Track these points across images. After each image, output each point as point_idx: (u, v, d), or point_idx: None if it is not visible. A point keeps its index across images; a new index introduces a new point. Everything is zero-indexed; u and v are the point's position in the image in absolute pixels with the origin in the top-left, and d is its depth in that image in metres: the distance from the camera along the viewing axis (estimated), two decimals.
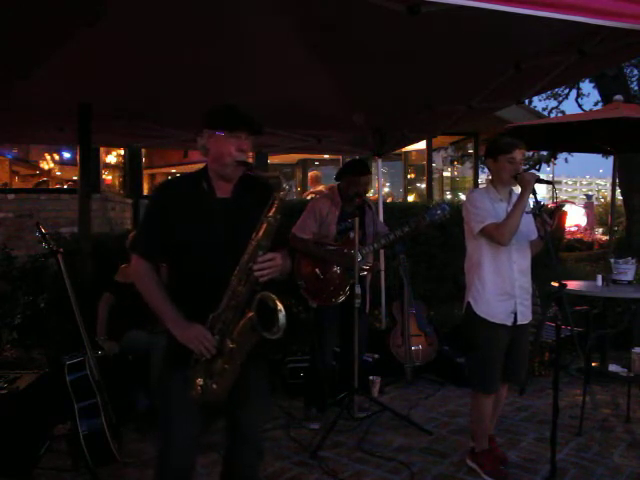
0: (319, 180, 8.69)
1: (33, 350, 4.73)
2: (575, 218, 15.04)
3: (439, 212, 3.88)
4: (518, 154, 2.96)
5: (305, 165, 11.49)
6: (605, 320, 4.98)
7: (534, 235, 3.08)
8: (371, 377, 4.43)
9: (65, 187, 8.43)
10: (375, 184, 7.23)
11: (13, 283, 4.88)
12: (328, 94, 4.06)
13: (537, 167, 13.79)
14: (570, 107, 14.20)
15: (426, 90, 3.85)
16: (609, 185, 8.87)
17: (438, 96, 3.99)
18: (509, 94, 3.80)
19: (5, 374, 3.50)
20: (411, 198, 11.22)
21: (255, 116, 2.07)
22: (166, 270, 2.17)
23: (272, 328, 1.89)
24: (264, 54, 3.41)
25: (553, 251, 2.82)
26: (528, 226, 3.03)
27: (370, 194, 6.50)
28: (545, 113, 12.28)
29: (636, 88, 11.38)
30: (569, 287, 3.81)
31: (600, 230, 15.23)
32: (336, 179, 4.04)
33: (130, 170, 8.47)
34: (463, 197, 11.62)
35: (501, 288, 3.01)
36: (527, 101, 10.44)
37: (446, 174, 13.29)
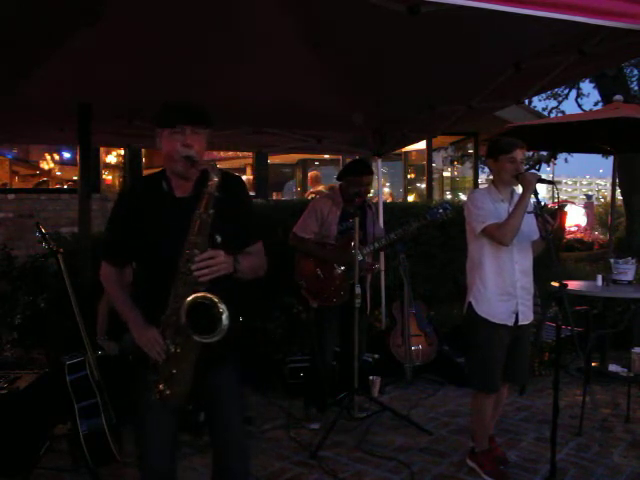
0: (319, 180, 8.69)
1: (33, 350, 4.73)
2: (575, 218, 15.05)
3: (441, 211, 3.89)
4: (519, 154, 2.96)
5: (305, 165, 11.48)
6: (605, 320, 4.99)
7: (536, 235, 3.08)
8: (371, 377, 4.43)
9: (65, 187, 8.42)
10: (375, 184, 7.23)
11: (13, 283, 4.87)
12: (328, 94, 4.06)
13: (537, 167, 13.80)
14: (570, 107, 14.21)
15: (426, 90, 3.85)
16: (609, 185, 8.87)
17: (438, 96, 3.99)
18: (509, 94, 3.80)
19: (5, 374, 3.51)
20: (411, 198, 11.21)
21: (204, 108, 2.00)
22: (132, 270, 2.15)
23: (214, 331, 1.83)
24: (264, 54, 3.41)
25: (554, 251, 2.82)
26: (530, 226, 3.03)
27: (370, 194, 6.49)
28: (545, 113, 12.28)
29: (636, 88, 11.38)
30: (569, 287, 3.81)
31: (600, 230, 15.23)
32: (338, 179, 4.05)
33: (130, 170, 8.45)
34: (463, 197, 11.63)
35: (502, 288, 3.01)
36: (527, 101, 10.46)
37: (446, 174, 13.28)
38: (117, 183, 9.04)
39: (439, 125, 4.73)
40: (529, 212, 2.94)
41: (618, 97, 4.95)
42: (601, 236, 13.15)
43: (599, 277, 4.48)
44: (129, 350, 2.07)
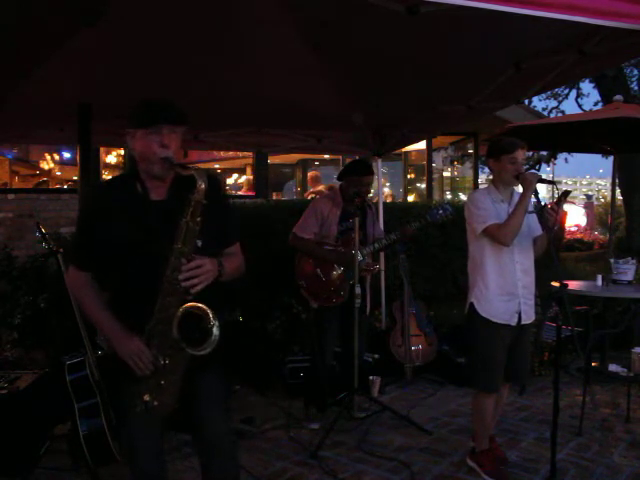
0: (319, 180, 8.69)
1: (33, 350, 4.73)
2: (575, 218, 15.05)
3: (440, 212, 3.88)
4: (520, 154, 2.96)
5: (305, 165, 11.48)
6: (605, 320, 4.99)
7: (537, 234, 3.08)
8: (371, 377, 4.42)
9: (65, 187, 8.42)
10: (375, 184, 7.23)
11: (13, 283, 4.87)
12: (328, 94, 4.06)
13: (537, 167, 13.82)
14: (570, 107, 14.19)
15: (426, 90, 3.85)
16: (609, 185, 8.87)
17: (438, 96, 3.98)
18: (509, 94, 3.80)
19: (5, 374, 3.51)
20: (411, 198, 11.21)
21: (177, 105, 1.92)
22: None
23: (203, 343, 1.79)
24: (264, 54, 3.41)
25: (554, 251, 2.81)
26: (530, 226, 3.04)
27: (370, 194, 6.49)
28: (545, 113, 12.30)
29: (636, 88, 11.39)
30: (569, 287, 3.81)
31: (600, 230, 15.24)
32: (338, 179, 4.05)
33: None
34: (463, 197, 11.63)
35: (504, 288, 3.01)
36: (527, 101, 10.48)
37: (446, 174, 13.28)
38: None
39: (439, 125, 4.74)
40: (529, 212, 2.94)
41: (618, 97, 4.95)
42: (601, 236, 13.16)
43: (599, 277, 4.47)
44: (108, 360, 1.98)
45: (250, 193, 9.04)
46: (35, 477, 3.10)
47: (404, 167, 11.36)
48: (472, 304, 3.07)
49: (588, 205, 18.61)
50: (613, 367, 4.49)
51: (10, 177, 8.53)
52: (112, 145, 7.85)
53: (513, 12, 2.00)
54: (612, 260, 4.59)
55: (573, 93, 12.37)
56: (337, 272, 3.82)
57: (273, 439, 3.65)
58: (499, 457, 3.22)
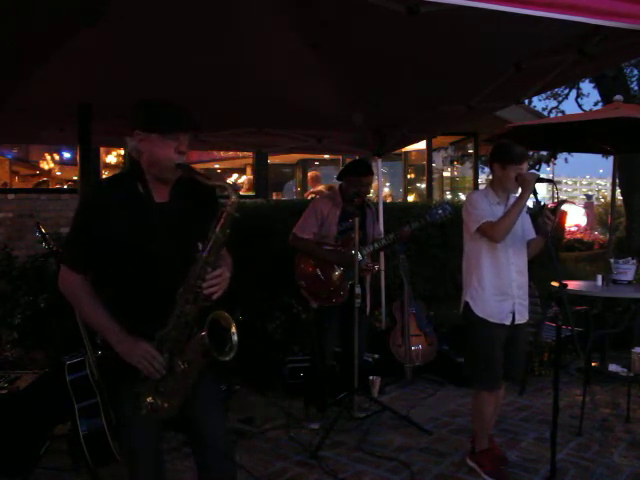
0: (319, 180, 8.69)
1: (33, 350, 4.73)
2: (575, 218, 15.06)
3: (440, 212, 3.89)
4: (525, 165, 3.02)
5: (305, 165, 11.47)
6: (605, 320, 4.99)
7: (531, 235, 3.12)
8: (371, 377, 4.42)
9: (65, 187, 8.42)
10: (375, 184, 7.24)
11: (13, 283, 4.87)
12: (328, 94, 4.06)
13: (537, 167, 13.83)
14: (570, 107, 14.20)
15: (426, 90, 3.85)
16: (609, 185, 8.87)
17: (438, 96, 3.98)
18: (509, 94, 3.80)
19: (5, 374, 3.51)
20: (411, 198, 11.21)
21: (189, 111, 1.91)
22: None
23: (223, 349, 1.82)
24: (264, 54, 3.41)
25: (554, 251, 2.82)
26: (525, 227, 3.07)
27: (370, 195, 6.49)
28: (545, 113, 12.30)
29: (636, 88, 11.39)
30: (569, 287, 3.81)
31: (600, 230, 15.24)
32: (338, 179, 4.05)
33: None
34: (463, 197, 11.62)
35: (499, 288, 3.04)
36: (527, 101, 10.47)
37: (446, 174, 13.28)
38: None
39: (439, 125, 4.73)
40: (528, 212, 2.96)
41: (618, 97, 4.95)
42: (601, 236, 13.16)
43: (599, 277, 4.47)
44: (108, 360, 1.95)
45: (250, 193, 9.04)
46: (35, 477, 3.10)
47: (404, 167, 11.36)
48: (467, 303, 3.09)
49: (588, 205, 18.61)
50: (613, 367, 4.49)
51: (10, 177, 8.54)
52: (112, 145, 7.85)
53: (513, 12, 2.00)
54: (612, 260, 4.59)
55: (573, 93, 12.38)
56: (337, 272, 3.82)
57: (273, 439, 3.65)
58: (499, 457, 3.22)
